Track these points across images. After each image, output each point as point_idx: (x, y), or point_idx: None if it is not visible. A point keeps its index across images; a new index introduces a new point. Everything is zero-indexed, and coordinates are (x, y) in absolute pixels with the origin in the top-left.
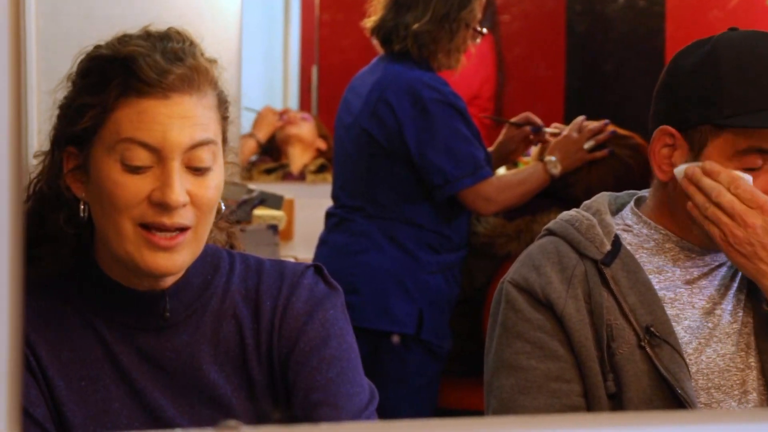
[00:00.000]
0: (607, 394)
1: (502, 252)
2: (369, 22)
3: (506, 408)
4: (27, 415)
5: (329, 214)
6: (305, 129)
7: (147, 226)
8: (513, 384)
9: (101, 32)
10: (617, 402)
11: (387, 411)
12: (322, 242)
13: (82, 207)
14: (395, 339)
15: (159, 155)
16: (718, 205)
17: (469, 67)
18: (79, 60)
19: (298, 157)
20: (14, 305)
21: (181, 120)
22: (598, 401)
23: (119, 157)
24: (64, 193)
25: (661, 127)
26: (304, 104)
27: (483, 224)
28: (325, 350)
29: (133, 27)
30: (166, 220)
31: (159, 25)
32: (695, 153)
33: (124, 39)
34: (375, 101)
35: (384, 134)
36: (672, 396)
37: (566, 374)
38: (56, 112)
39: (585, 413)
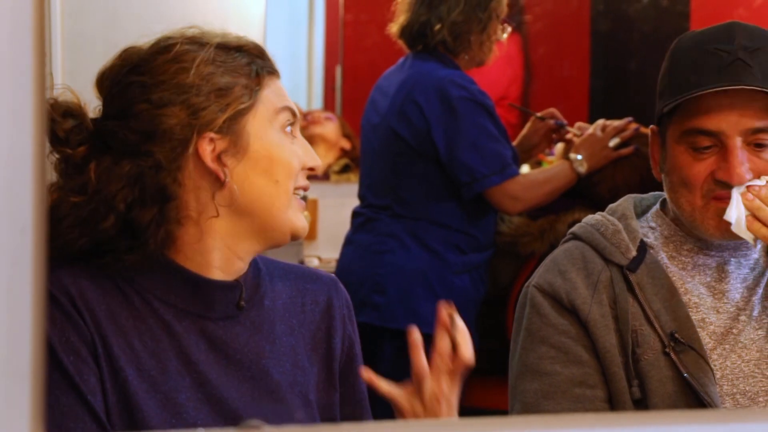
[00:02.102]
0: (632, 400)
1: (526, 251)
2: (395, 25)
3: (530, 412)
4: (84, 403)
5: (356, 214)
6: (329, 128)
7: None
8: (537, 389)
9: (126, 32)
10: (642, 408)
11: None
12: (349, 241)
13: (235, 188)
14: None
15: (296, 123)
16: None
17: (496, 68)
18: (192, 50)
19: (322, 157)
20: (36, 308)
21: None
22: (623, 407)
23: (279, 126)
24: (170, 187)
25: (651, 127)
26: (328, 104)
27: (507, 223)
28: (357, 362)
29: (158, 27)
30: (308, 183)
31: (185, 26)
32: (662, 144)
33: (221, 34)
34: (402, 100)
35: (412, 133)
36: (697, 401)
37: (590, 380)
38: (175, 106)
39: (607, 413)
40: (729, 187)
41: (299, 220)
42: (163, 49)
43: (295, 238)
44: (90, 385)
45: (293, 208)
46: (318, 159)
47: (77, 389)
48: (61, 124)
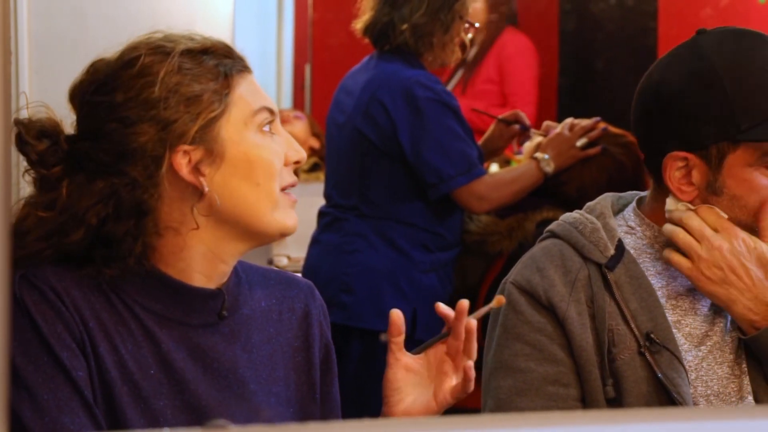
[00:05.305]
0: (606, 400)
1: (495, 250)
2: (359, 23)
3: (502, 409)
4: (80, 397)
5: (322, 213)
6: (298, 127)
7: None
8: (510, 385)
9: (94, 32)
10: (616, 407)
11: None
12: (315, 241)
13: (216, 197)
14: (383, 338)
15: (275, 120)
16: (689, 230)
17: None
18: (157, 60)
19: None
20: (1, 313)
21: None
22: (596, 406)
23: (256, 127)
24: (147, 202)
25: (669, 154)
26: (298, 103)
27: (475, 222)
28: (334, 370)
29: (126, 27)
30: (295, 178)
31: (153, 25)
32: (715, 168)
33: (184, 36)
34: (368, 101)
35: (377, 133)
36: (671, 402)
37: (564, 378)
38: (145, 123)
39: (579, 411)
40: None
41: (288, 218)
42: (128, 63)
43: (284, 236)
44: (83, 380)
45: (281, 207)
46: (301, 152)
47: (73, 383)
48: (34, 146)
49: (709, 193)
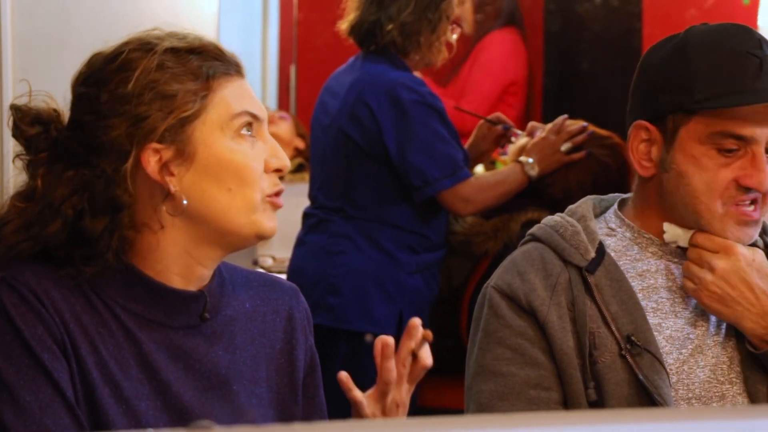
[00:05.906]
0: (588, 402)
1: (480, 251)
2: (345, 23)
3: (484, 413)
4: (62, 399)
5: (307, 215)
6: (283, 128)
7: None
8: (492, 389)
9: (79, 32)
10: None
11: None
12: (300, 243)
13: (184, 200)
14: (368, 338)
15: (258, 125)
16: (691, 259)
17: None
18: (138, 57)
19: None
20: None
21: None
22: (578, 409)
23: (233, 131)
24: (120, 197)
25: (636, 122)
26: (283, 104)
27: (460, 223)
28: (319, 373)
29: (111, 27)
30: (281, 186)
31: (137, 25)
32: (668, 142)
33: (177, 35)
34: (353, 102)
35: (362, 135)
36: (652, 405)
37: (545, 382)
38: (117, 117)
39: (561, 411)
40: (751, 193)
41: (267, 220)
42: (114, 57)
43: (261, 239)
44: (65, 382)
45: (259, 211)
46: (285, 159)
47: (55, 385)
48: (25, 131)
49: (661, 170)
